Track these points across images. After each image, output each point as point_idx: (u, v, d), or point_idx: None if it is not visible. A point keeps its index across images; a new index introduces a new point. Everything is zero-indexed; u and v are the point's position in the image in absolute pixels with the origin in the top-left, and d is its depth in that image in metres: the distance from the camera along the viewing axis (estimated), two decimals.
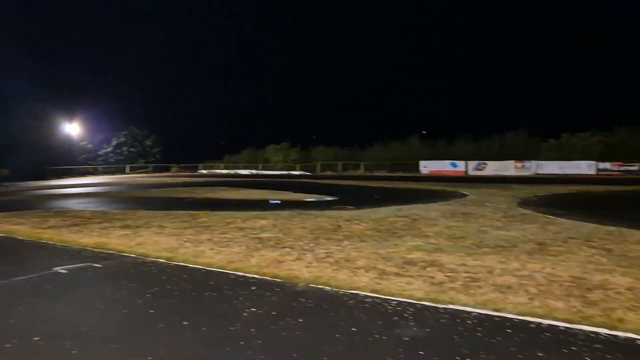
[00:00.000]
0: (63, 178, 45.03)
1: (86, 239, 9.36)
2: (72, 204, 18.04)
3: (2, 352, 3.87)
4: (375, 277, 5.98)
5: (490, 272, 6.08)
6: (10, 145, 43.75)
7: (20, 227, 11.13)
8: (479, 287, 5.45)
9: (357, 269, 6.46)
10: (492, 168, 39.76)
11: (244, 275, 6.30)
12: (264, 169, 53.42)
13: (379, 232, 9.39)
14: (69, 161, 51.10)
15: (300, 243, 8.37)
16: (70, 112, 51.37)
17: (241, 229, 10.11)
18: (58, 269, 6.87)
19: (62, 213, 14.28)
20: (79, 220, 12.30)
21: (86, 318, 4.79)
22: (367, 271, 6.30)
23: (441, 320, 4.48)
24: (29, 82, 50.31)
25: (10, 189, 31.05)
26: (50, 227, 11.02)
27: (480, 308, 4.75)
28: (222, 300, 5.25)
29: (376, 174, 43.73)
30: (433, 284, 5.66)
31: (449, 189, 21.66)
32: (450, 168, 41.56)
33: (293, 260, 7.03)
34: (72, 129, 52.54)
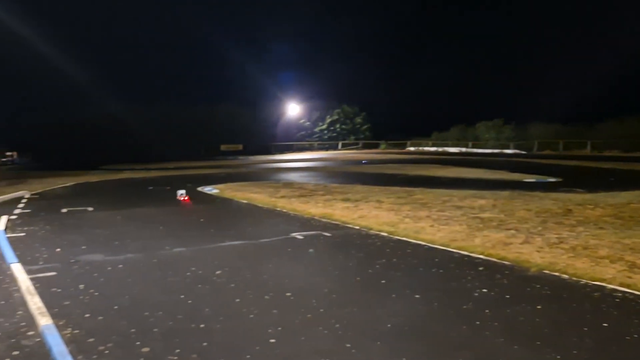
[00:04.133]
0: (285, 153, 50.07)
1: (313, 209, 10.23)
2: (296, 177, 19.92)
3: (263, 302, 4.48)
4: (624, 270, 5.26)
5: None
6: (245, 123, 50.37)
7: (258, 196, 12.71)
8: None
9: (599, 258, 5.77)
10: None
11: (469, 255, 6.16)
12: (473, 146, 51.32)
13: (621, 220, 8.24)
14: (289, 138, 56.50)
15: (526, 226, 7.82)
16: (292, 92, 56.54)
17: (459, 207, 9.90)
18: (294, 234, 7.65)
19: (290, 185, 15.86)
20: (305, 192, 13.50)
21: (325, 281, 5.24)
22: (612, 262, 5.58)
23: None
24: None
25: (245, 162, 35.82)
26: (282, 197, 12.33)
27: None
28: (449, 278, 5.22)
29: (606, 153, 38.46)
30: None
31: None
32: None
33: (520, 244, 6.62)
34: (293, 108, 57.80)
